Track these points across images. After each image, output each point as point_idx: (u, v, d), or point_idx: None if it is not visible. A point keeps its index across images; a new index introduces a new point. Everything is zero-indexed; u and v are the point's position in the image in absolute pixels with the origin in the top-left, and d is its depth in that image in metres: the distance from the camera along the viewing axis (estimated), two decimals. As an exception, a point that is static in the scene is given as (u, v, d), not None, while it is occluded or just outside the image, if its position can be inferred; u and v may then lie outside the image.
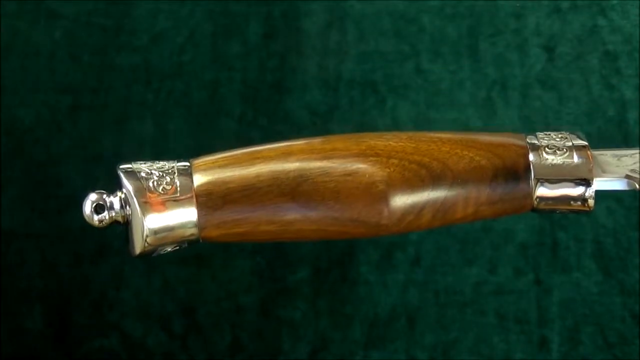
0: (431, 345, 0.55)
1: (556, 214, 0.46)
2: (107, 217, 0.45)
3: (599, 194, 0.45)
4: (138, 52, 0.60)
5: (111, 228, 0.45)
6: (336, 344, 0.55)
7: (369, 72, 0.60)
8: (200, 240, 0.44)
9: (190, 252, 0.57)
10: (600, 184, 0.45)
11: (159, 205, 0.43)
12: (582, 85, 0.59)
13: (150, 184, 0.44)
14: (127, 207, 0.44)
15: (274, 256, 0.57)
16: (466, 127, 0.58)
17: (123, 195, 0.44)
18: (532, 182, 0.44)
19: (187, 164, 0.45)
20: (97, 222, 0.45)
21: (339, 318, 0.56)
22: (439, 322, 0.56)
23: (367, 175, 0.44)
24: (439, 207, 0.44)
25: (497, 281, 0.56)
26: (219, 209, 0.43)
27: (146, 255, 0.44)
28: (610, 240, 0.56)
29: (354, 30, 0.60)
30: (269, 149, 0.45)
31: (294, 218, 0.44)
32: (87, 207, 0.45)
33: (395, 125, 0.58)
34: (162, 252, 0.45)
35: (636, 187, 0.45)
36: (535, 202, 0.45)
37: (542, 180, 0.44)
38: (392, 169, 0.44)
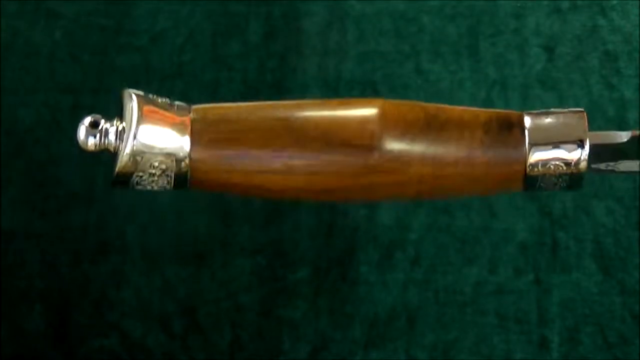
0: (431, 345, 0.55)
1: (552, 190, 0.45)
2: (99, 143, 0.44)
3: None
4: (138, 52, 0.60)
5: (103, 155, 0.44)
6: (336, 343, 0.55)
7: (369, 72, 0.60)
8: (189, 173, 0.43)
9: (190, 251, 0.57)
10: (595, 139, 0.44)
11: (155, 115, 0.43)
12: (582, 85, 0.59)
13: (152, 101, 0.44)
14: (120, 138, 0.43)
15: (274, 256, 0.57)
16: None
17: (120, 126, 0.44)
18: (526, 134, 0.44)
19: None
20: (91, 147, 0.44)
21: (339, 318, 0.56)
22: (439, 322, 0.55)
23: (362, 102, 0.44)
24: (431, 144, 0.44)
25: (497, 281, 0.56)
26: (212, 131, 0.43)
27: (125, 177, 0.43)
28: (610, 240, 0.56)
29: (354, 30, 0.60)
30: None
31: (288, 146, 0.43)
32: (82, 133, 0.44)
33: (395, 125, 0.58)
34: (144, 183, 0.44)
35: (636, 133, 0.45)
36: (529, 158, 0.44)
37: (536, 143, 0.44)
38: (387, 101, 0.44)
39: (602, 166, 0.45)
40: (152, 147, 0.43)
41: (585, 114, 0.44)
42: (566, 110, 0.45)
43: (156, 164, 0.43)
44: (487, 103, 0.59)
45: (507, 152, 0.44)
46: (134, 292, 0.56)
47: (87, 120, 0.44)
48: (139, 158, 0.43)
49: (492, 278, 0.56)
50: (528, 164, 0.44)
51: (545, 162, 0.44)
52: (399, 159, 0.44)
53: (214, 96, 0.60)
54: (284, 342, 0.55)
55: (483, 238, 0.56)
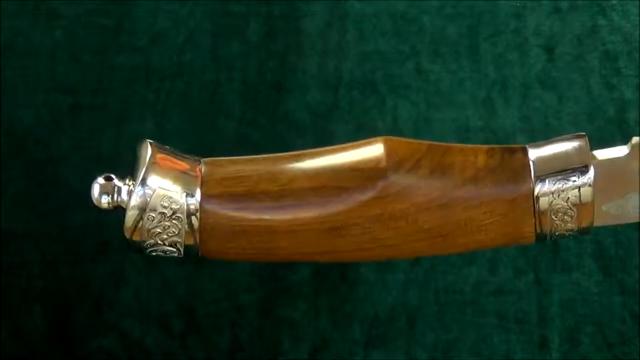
0: (431, 344, 0.55)
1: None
2: (112, 201, 0.44)
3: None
4: (138, 52, 0.60)
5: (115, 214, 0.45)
6: (336, 343, 0.55)
7: (369, 72, 0.60)
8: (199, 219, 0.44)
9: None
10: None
11: (166, 162, 0.44)
12: (582, 85, 0.59)
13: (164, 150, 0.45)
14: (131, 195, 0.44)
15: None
16: (466, 127, 0.58)
17: (131, 185, 0.44)
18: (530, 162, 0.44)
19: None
20: (105, 205, 0.45)
21: (339, 318, 0.56)
22: (439, 322, 0.55)
23: (368, 139, 0.45)
24: (438, 161, 0.44)
25: (497, 281, 0.56)
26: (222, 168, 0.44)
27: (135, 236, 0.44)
28: (610, 240, 0.56)
29: (354, 30, 0.61)
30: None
31: (294, 174, 0.43)
32: (96, 191, 0.45)
33: (395, 125, 0.58)
34: (155, 245, 0.44)
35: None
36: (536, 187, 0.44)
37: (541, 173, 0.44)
38: (395, 140, 0.45)
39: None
40: (162, 190, 0.44)
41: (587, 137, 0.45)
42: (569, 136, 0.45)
43: (166, 204, 0.44)
44: (487, 103, 0.59)
45: (513, 172, 0.44)
46: (133, 292, 0.56)
47: (101, 179, 0.45)
48: (148, 205, 0.44)
49: (492, 278, 0.56)
50: (536, 189, 0.45)
51: (552, 190, 0.44)
52: (407, 171, 0.44)
53: (214, 96, 0.60)
54: (283, 342, 0.55)
55: (483, 238, 0.56)
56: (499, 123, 0.58)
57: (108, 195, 0.45)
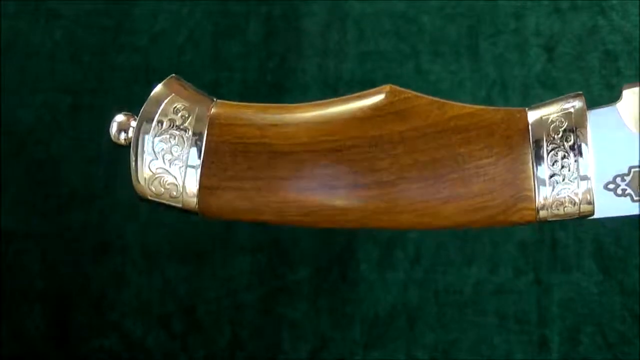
0: (431, 344, 0.55)
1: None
2: (128, 138, 0.44)
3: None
4: (138, 52, 0.60)
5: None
6: (336, 343, 0.55)
7: (369, 72, 0.60)
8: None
9: (190, 250, 0.57)
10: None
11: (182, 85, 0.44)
12: (582, 85, 0.59)
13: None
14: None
15: (274, 254, 0.57)
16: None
17: None
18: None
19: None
20: (122, 142, 0.45)
21: (339, 317, 0.56)
22: (439, 322, 0.55)
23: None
24: (438, 99, 0.44)
25: (497, 281, 0.56)
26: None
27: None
28: (610, 240, 0.56)
29: (354, 30, 0.61)
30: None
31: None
32: (114, 128, 0.44)
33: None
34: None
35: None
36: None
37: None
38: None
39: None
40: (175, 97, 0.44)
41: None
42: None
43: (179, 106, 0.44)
44: (487, 103, 0.59)
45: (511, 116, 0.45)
46: (134, 291, 0.56)
47: (119, 115, 0.45)
48: (159, 110, 0.44)
49: (492, 278, 0.56)
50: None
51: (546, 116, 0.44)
52: (406, 107, 0.44)
53: (214, 96, 0.60)
54: (283, 341, 0.55)
55: (483, 237, 0.56)
56: (499, 123, 0.58)
57: (125, 132, 0.45)
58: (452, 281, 0.56)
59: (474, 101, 0.59)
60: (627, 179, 0.44)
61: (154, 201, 0.44)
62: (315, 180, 0.44)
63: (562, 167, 0.44)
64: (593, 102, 0.58)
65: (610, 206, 0.44)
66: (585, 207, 0.43)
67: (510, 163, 0.44)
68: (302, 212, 0.44)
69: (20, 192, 0.58)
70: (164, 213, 0.57)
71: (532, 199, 0.44)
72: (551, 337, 0.55)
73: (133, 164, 0.44)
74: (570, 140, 0.44)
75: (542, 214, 0.43)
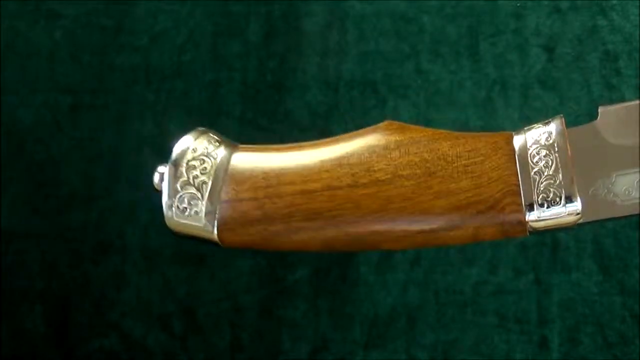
0: (431, 345, 0.55)
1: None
2: None
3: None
4: (138, 52, 0.60)
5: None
6: (336, 343, 0.55)
7: (369, 72, 0.60)
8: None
9: (190, 251, 0.57)
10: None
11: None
12: (582, 85, 0.59)
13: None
14: None
15: (274, 256, 0.57)
16: (466, 127, 0.58)
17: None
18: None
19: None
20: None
21: (339, 318, 0.56)
22: (439, 322, 0.56)
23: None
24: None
25: (497, 281, 0.56)
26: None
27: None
28: (610, 240, 0.56)
29: (354, 30, 0.60)
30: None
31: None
32: (156, 177, 0.48)
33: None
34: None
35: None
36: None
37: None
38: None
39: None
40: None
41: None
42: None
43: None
44: (487, 103, 0.59)
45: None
46: (134, 292, 0.56)
47: (159, 172, 0.48)
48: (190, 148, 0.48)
49: (492, 278, 0.56)
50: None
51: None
52: (404, 126, 0.48)
53: (214, 96, 0.60)
54: (284, 342, 0.55)
55: (483, 238, 0.56)
56: (499, 123, 0.58)
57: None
58: (452, 281, 0.56)
59: (474, 101, 0.59)
60: (611, 184, 0.45)
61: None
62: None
63: (545, 165, 0.46)
64: (593, 102, 0.59)
65: (597, 210, 0.45)
66: (571, 208, 0.45)
67: (495, 162, 0.46)
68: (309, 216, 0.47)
69: (20, 192, 0.58)
70: (163, 213, 0.58)
71: (518, 193, 0.46)
72: (551, 337, 0.55)
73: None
74: (551, 140, 0.46)
75: (530, 214, 0.46)
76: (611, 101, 0.58)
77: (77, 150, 0.59)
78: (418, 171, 0.47)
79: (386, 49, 0.60)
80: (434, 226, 0.46)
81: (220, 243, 0.47)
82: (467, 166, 0.46)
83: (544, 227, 0.46)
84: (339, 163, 0.47)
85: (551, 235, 0.56)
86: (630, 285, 0.56)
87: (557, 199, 0.45)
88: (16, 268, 0.57)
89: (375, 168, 0.47)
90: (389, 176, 0.47)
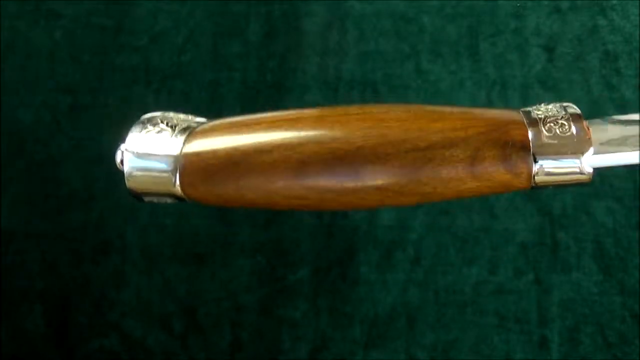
0: (431, 344, 0.55)
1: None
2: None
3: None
4: (138, 52, 0.60)
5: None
6: (336, 343, 0.55)
7: (369, 72, 0.60)
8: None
9: (190, 251, 0.57)
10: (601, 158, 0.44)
11: None
12: (582, 85, 0.59)
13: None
14: None
15: (274, 255, 0.57)
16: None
17: None
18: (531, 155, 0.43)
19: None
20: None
21: (339, 317, 0.56)
22: (439, 322, 0.55)
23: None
24: None
25: (497, 281, 0.56)
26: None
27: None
28: (610, 240, 0.56)
29: (354, 30, 0.61)
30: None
31: None
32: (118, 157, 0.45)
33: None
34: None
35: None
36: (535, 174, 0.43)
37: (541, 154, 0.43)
38: None
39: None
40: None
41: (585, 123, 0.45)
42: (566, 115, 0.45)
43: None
44: (487, 103, 0.59)
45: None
46: (134, 292, 0.56)
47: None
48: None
49: (492, 278, 0.56)
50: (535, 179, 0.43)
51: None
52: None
53: (214, 96, 0.60)
54: (284, 341, 0.55)
55: (483, 238, 0.56)
56: (499, 123, 0.58)
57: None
58: (452, 281, 0.56)
59: (474, 101, 0.59)
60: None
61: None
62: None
63: (555, 119, 0.44)
64: (593, 102, 0.59)
65: (611, 157, 0.44)
66: (580, 133, 0.42)
67: (499, 110, 0.43)
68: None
69: (20, 192, 0.58)
70: (164, 214, 0.58)
71: (522, 123, 0.43)
72: (551, 337, 0.55)
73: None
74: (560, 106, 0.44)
75: (534, 137, 0.42)
76: (611, 100, 0.58)
77: (77, 150, 0.59)
78: (414, 146, 0.41)
79: (386, 49, 0.60)
80: (428, 143, 0.41)
81: (185, 197, 0.45)
82: (467, 112, 0.43)
83: (551, 153, 0.42)
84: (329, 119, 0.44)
85: (551, 235, 0.56)
86: (630, 285, 0.56)
87: (565, 128, 0.43)
88: (16, 268, 0.57)
89: (372, 134, 0.42)
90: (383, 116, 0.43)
